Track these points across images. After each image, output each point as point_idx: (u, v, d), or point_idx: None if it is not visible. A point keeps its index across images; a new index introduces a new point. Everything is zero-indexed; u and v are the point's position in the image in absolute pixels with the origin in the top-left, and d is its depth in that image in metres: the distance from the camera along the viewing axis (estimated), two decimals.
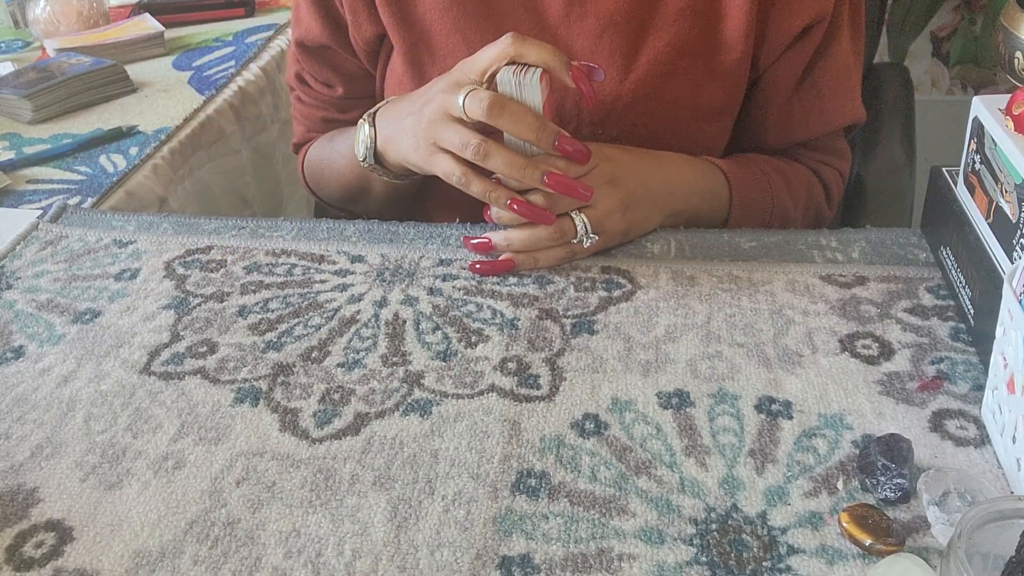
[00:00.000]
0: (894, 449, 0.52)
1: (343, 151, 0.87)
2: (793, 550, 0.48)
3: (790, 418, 0.57)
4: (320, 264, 0.76)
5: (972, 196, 0.65)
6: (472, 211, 0.80)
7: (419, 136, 0.70)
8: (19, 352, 0.68)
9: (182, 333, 0.69)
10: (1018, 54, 0.78)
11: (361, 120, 0.78)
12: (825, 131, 0.85)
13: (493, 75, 0.68)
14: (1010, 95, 0.61)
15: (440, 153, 0.69)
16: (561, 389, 0.61)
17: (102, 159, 1.05)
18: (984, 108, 0.63)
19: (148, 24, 1.43)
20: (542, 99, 0.67)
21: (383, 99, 0.88)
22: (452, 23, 0.80)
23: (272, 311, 0.70)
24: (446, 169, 0.69)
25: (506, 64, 0.67)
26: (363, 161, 0.79)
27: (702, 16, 0.78)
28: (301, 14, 0.87)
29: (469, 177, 0.69)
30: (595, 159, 0.70)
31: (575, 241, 0.71)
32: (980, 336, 0.61)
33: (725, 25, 0.78)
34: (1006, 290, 0.52)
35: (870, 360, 0.61)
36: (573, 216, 0.70)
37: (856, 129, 0.88)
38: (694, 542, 0.49)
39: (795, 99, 0.83)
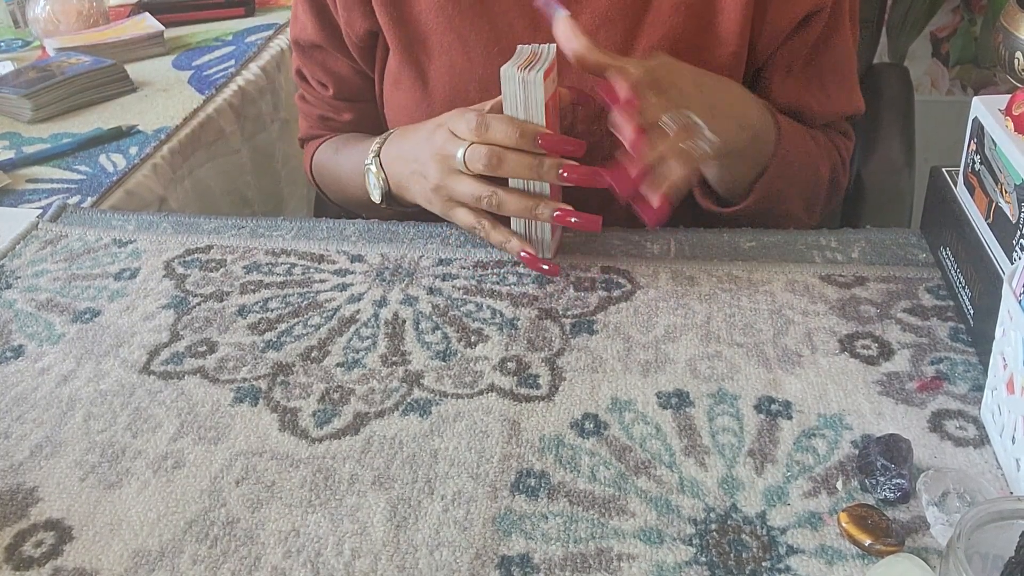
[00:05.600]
0: (893, 449, 0.52)
1: (349, 171, 0.88)
2: (792, 550, 0.48)
3: (789, 418, 0.57)
4: (320, 264, 0.76)
5: (972, 196, 0.65)
6: None
7: (429, 194, 0.73)
8: (19, 351, 0.68)
9: (182, 332, 0.69)
10: (1018, 54, 0.78)
11: (367, 163, 0.80)
12: (829, 119, 0.86)
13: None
14: (1010, 96, 0.61)
15: (457, 206, 0.73)
16: (561, 389, 0.61)
17: (102, 158, 1.05)
18: (984, 108, 0.63)
19: (148, 23, 1.43)
20: (546, 96, 0.67)
21: (383, 100, 0.89)
22: (447, 21, 0.80)
23: (272, 310, 0.70)
24: (466, 222, 0.73)
25: (510, 60, 0.67)
26: (380, 204, 0.81)
27: (697, 10, 0.78)
28: (298, 12, 0.89)
29: (488, 229, 0.72)
30: (658, 71, 0.67)
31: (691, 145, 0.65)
32: (979, 336, 0.61)
33: (720, 19, 0.78)
34: (1006, 290, 0.52)
35: (869, 360, 0.61)
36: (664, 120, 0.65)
37: (855, 119, 0.89)
38: (693, 542, 0.49)
39: (801, 90, 0.83)
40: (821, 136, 0.86)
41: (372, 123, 0.92)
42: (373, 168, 0.80)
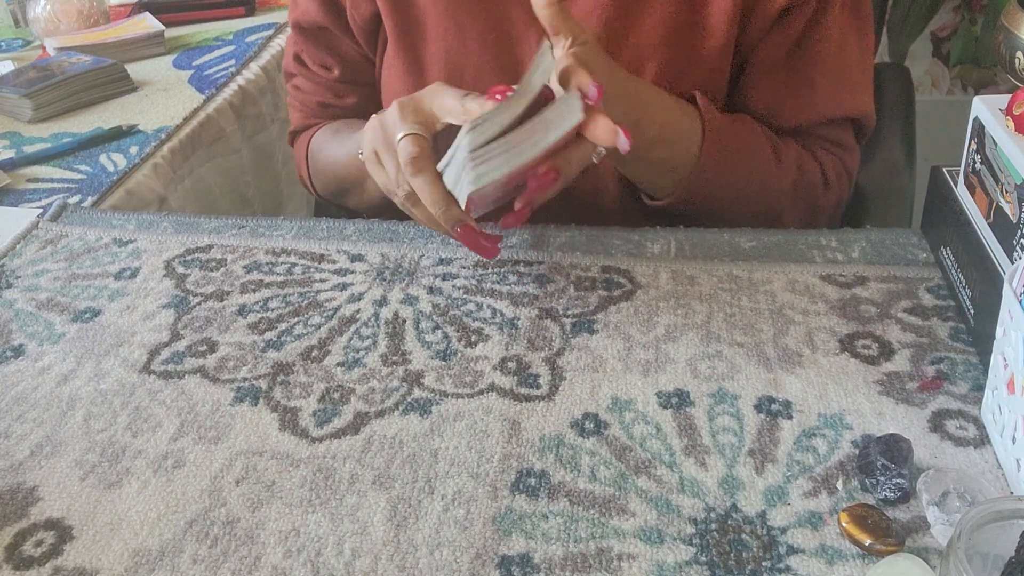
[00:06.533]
0: (894, 449, 0.52)
1: (348, 146, 0.86)
2: (793, 550, 0.48)
3: (790, 418, 0.57)
4: (320, 263, 0.76)
5: (972, 196, 0.65)
6: None
7: (366, 143, 0.71)
8: (19, 351, 0.68)
9: (182, 332, 0.69)
10: (1019, 54, 0.78)
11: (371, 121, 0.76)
12: (818, 120, 0.83)
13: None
14: (1010, 95, 0.61)
15: (379, 167, 0.70)
16: (561, 388, 0.61)
17: (102, 158, 1.05)
18: (984, 108, 0.63)
19: (148, 23, 1.43)
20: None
21: (381, 85, 0.88)
22: (444, 7, 0.80)
23: (272, 310, 0.70)
24: (383, 183, 0.70)
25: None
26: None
27: (687, 1, 0.78)
28: None
29: (407, 206, 0.69)
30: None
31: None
32: (980, 336, 0.61)
33: (710, 10, 0.78)
34: (1006, 290, 0.52)
35: (870, 360, 0.61)
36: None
37: (868, 131, 0.86)
38: (694, 542, 0.49)
39: (782, 83, 0.81)
40: (792, 149, 0.82)
41: (375, 109, 0.91)
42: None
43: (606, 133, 0.62)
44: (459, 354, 0.64)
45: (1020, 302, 0.50)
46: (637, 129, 0.70)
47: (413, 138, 0.66)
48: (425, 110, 0.68)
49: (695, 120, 0.77)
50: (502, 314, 0.68)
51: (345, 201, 0.92)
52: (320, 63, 0.91)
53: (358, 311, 0.70)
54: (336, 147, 0.89)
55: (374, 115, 0.72)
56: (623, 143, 0.62)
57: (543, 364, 0.63)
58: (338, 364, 0.64)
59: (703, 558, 0.48)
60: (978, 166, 0.64)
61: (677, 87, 0.79)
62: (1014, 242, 0.57)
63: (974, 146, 0.64)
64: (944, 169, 0.71)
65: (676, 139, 0.76)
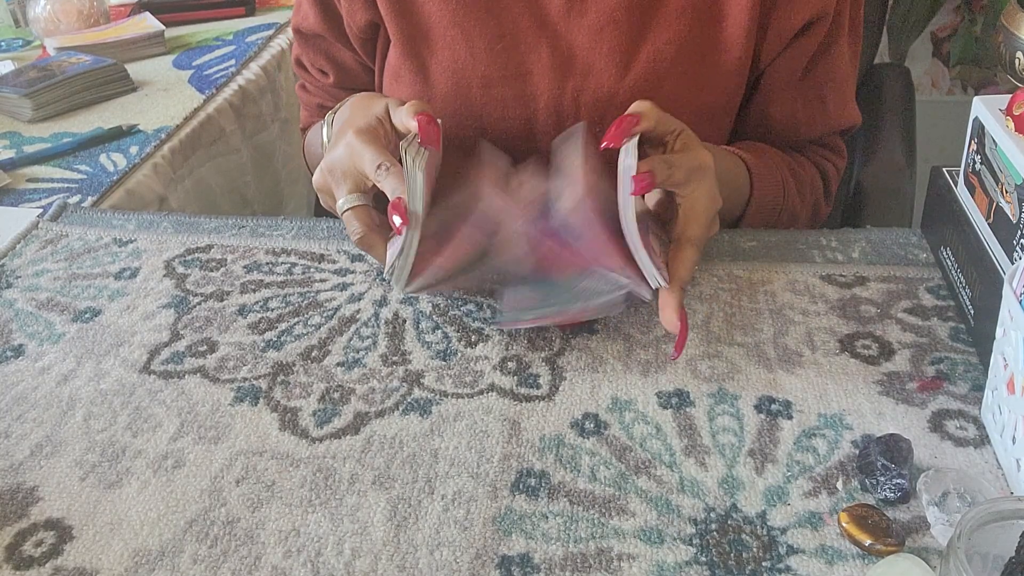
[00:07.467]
0: (894, 449, 0.52)
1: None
2: (793, 550, 0.48)
3: (790, 418, 0.57)
4: (320, 263, 0.76)
5: (972, 196, 0.65)
6: None
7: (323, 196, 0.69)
8: (19, 351, 0.68)
9: (182, 332, 0.69)
10: (1019, 54, 0.78)
11: (322, 121, 0.78)
12: (826, 132, 0.86)
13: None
14: (1010, 95, 0.61)
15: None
16: (561, 389, 0.61)
17: (102, 158, 1.05)
18: (985, 108, 0.63)
19: (148, 23, 1.43)
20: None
21: (383, 93, 0.88)
22: (451, 16, 0.80)
23: (272, 310, 0.70)
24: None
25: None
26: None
27: (703, 14, 0.77)
28: (301, 1, 0.88)
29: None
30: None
31: None
32: (980, 336, 0.61)
33: (726, 24, 0.78)
34: (1006, 291, 0.52)
35: (870, 360, 0.61)
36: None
37: (851, 132, 0.89)
38: (693, 542, 0.49)
39: (798, 99, 0.83)
40: (808, 169, 0.86)
41: None
42: (326, 127, 0.77)
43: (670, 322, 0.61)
44: (459, 354, 0.64)
45: (1020, 302, 0.50)
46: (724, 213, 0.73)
47: (355, 212, 0.65)
48: (356, 171, 0.65)
49: (748, 190, 0.80)
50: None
51: None
52: (318, 68, 0.92)
53: (358, 311, 0.70)
54: (319, 146, 0.89)
55: (320, 166, 0.69)
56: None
57: (543, 364, 0.63)
58: (338, 364, 0.64)
59: (703, 558, 0.48)
60: (978, 166, 0.64)
61: (694, 103, 0.80)
62: (1014, 242, 0.57)
63: (974, 146, 0.64)
64: (944, 169, 0.71)
65: (734, 197, 0.79)
